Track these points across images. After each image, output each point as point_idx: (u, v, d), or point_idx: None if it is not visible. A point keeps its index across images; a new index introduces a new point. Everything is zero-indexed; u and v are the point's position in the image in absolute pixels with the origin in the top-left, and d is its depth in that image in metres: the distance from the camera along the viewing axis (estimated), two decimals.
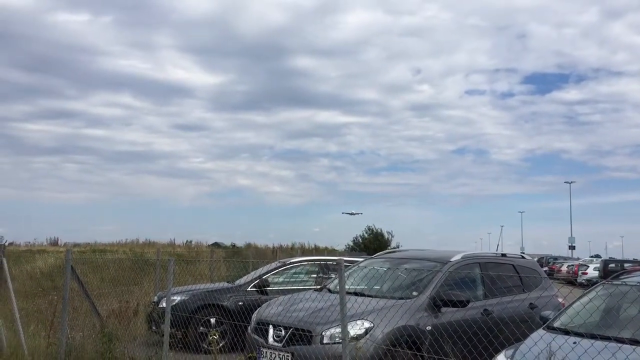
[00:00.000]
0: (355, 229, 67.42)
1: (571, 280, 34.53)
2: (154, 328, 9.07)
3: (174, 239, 38.70)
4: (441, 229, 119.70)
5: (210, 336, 6.53)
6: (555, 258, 50.16)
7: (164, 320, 6.53)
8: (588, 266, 35.61)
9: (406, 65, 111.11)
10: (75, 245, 33.21)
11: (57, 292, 9.62)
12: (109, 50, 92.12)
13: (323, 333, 6.02)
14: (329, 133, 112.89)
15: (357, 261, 8.70)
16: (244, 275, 11.14)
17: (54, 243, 36.72)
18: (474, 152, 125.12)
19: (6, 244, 10.28)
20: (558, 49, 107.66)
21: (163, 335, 6.47)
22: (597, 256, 56.09)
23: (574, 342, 4.56)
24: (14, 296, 8.79)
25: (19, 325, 8.33)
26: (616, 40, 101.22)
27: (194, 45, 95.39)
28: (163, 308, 7.30)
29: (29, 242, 35.71)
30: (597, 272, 31.78)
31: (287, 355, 6.11)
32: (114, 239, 37.41)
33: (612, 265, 31.17)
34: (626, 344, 4.39)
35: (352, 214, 75.43)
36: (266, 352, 6.33)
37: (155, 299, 10.17)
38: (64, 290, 7.89)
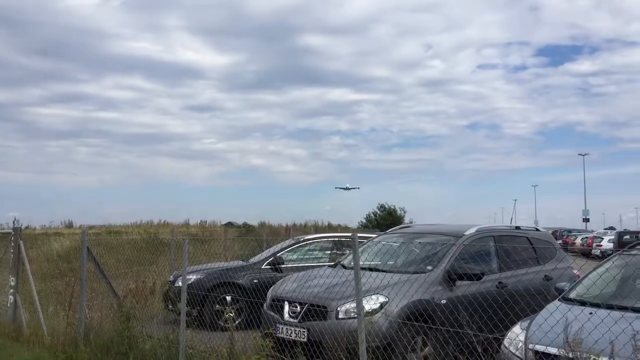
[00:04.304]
0: (368, 206, 67.33)
1: (586, 253, 34.36)
2: (170, 307, 9.16)
3: (189, 220, 39.03)
4: (455, 204, 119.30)
5: (227, 314, 6.57)
6: (570, 231, 49.90)
7: (180, 299, 6.58)
8: (602, 238, 35.47)
9: (417, 41, 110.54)
10: (90, 227, 33.40)
11: (74, 274, 9.72)
12: (120, 33, 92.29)
13: (338, 308, 6.05)
14: (341, 111, 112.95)
15: (371, 237, 8.69)
16: (258, 253, 11.19)
17: (69, 225, 37.06)
18: (487, 127, 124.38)
19: (22, 227, 10.36)
20: (571, 20, 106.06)
21: (180, 313, 6.52)
22: (612, 228, 55.69)
23: (590, 313, 4.54)
24: (32, 278, 8.91)
25: (38, 306, 8.45)
26: (630, 10, 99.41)
27: (204, 26, 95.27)
28: (179, 287, 7.35)
29: (45, 225, 36.05)
30: (612, 244, 31.64)
31: (303, 331, 6.15)
32: (128, 220, 37.74)
33: (627, 236, 31.03)
34: None
35: (346, 188, 74.66)
36: (282, 328, 6.37)
37: (171, 278, 10.26)
38: (81, 271, 7.98)
